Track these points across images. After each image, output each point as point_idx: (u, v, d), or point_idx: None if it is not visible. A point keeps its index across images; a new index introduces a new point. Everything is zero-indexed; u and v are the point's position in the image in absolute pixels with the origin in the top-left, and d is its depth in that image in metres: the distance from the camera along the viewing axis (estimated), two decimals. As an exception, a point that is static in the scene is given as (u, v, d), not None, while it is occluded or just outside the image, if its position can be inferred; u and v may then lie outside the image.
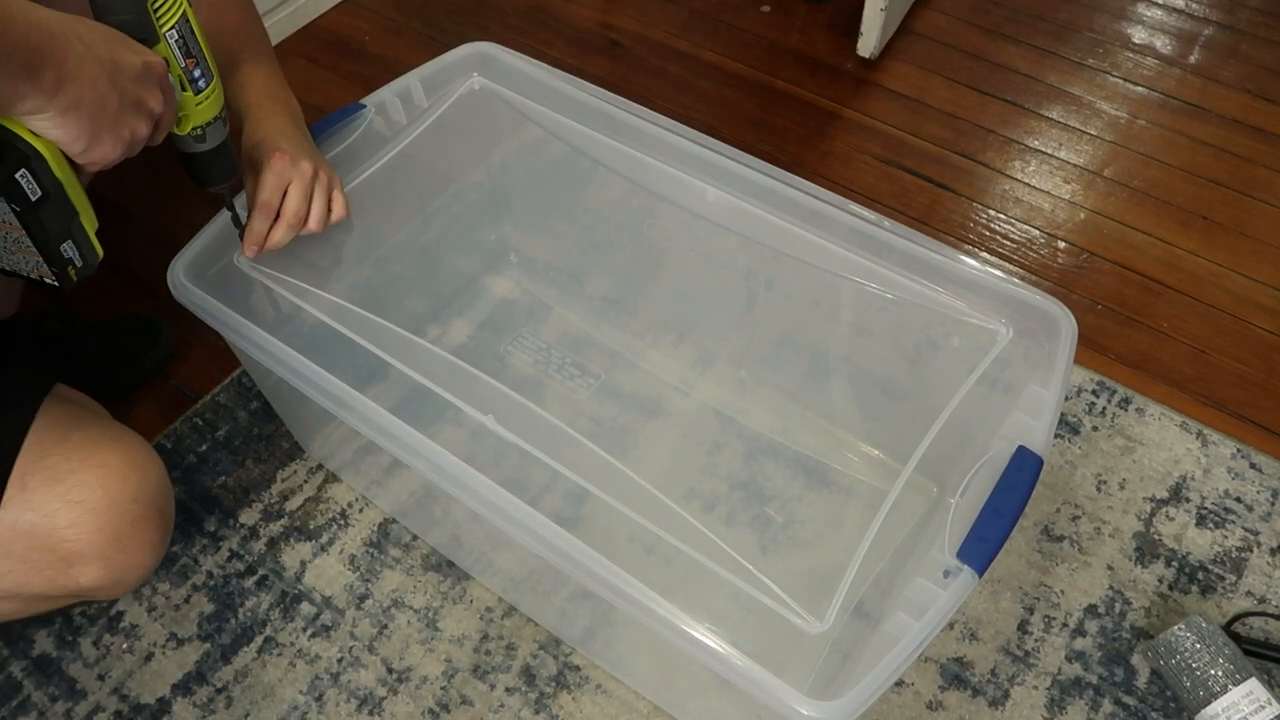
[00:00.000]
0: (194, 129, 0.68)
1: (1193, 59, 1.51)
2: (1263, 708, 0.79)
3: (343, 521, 0.96)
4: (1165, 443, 1.03)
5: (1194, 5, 1.60)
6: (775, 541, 0.94)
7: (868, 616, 0.77)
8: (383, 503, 0.97)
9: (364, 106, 0.90)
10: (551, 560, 0.65)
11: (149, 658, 0.88)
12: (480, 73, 0.98)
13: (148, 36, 0.62)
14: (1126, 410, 1.06)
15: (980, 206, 1.29)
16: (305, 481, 0.99)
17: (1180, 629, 0.84)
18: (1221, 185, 1.32)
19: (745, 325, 1.03)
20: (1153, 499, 0.99)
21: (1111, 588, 0.93)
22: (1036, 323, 0.78)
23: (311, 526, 0.96)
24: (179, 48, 0.63)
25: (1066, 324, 0.76)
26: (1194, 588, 0.93)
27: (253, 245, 0.77)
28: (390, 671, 0.87)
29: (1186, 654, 0.83)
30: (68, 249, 0.60)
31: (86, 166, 0.59)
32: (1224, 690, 0.81)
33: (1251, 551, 0.96)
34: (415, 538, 0.95)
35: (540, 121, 0.97)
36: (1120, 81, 1.47)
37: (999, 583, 0.93)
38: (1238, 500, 0.99)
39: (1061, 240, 1.25)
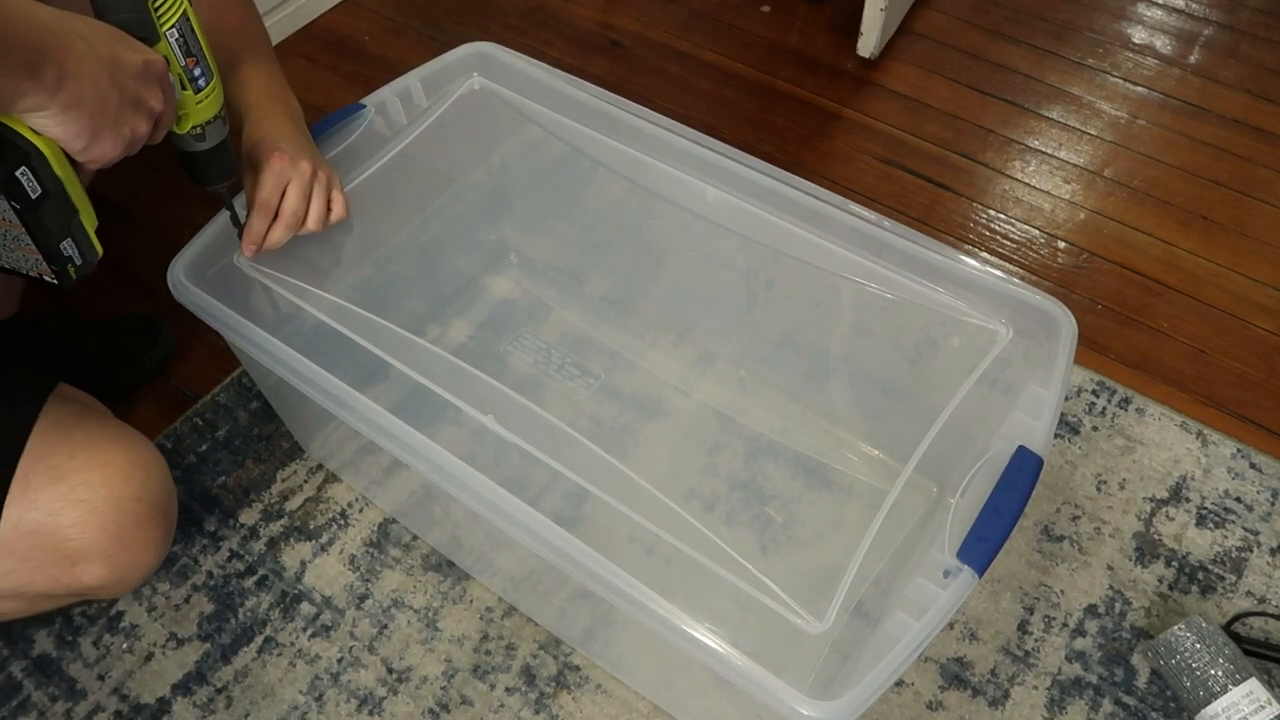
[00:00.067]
0: (194, 128, 0.68)
1: (1193, 59, 1.51)
2: (1263, 708, 0.79)
3: (343, 521, 0.96)
4: (1165, 443, 1.03)
5: (1194, 5, 1.60)
6: (775, 541, 0.94)
7: (868, 616, 0.77)
8: (383, 503, 0.97)
9: (364, 106, 0.90)
10: (551, 560, 0.65)
11: (149, 658, 0.88)
12: (480, 73, 0.98)
13: (148, 35, 0.62)
14: (1126, 410, 1.06)
15: (980, 206, 1.29)
16: (305, 481, 0.99)
17: (1180, 629, 0.84)
18: (1221, 185, 1.32)
19: (745, 325, 1.03)
20: (1153, 499, 0.99)
21: (1111, 588, 0.93)
22: (1036, 323, 0.78)
23: (311, 526, 0.96)
24: (179, 46, 0.63)
25: (1066, 324, 0.76)
26: (1194, 588, 0.93)
27: (251, 245, 0.77)
28: (390, 671, 0.87)
29: (1186, 654, 0.83)
30: (67, 247, 0.60)
31: (87, 164, 0.59)
32: (1224, 690, 0.81)
33: (1251, 551, 0.96)
34: (415, 538, 0.95)
35: (540, 121, 0.97)
36: (1120, 81, 1.47)
37: (999, 583, 0.93)
38: (1238, 500, 0.99)
39: (1061, 240, 1.25)
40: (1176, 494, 0.99)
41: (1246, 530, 0.97)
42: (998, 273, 0.79)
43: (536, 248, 1.15)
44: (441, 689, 0.86)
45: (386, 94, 0.92)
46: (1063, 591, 0.92)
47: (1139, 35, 1.54)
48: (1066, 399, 1.03)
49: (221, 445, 1.02)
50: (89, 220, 0.62)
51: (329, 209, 0.80)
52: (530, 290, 1.13)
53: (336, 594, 0.92)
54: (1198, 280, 1.20)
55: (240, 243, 0.78)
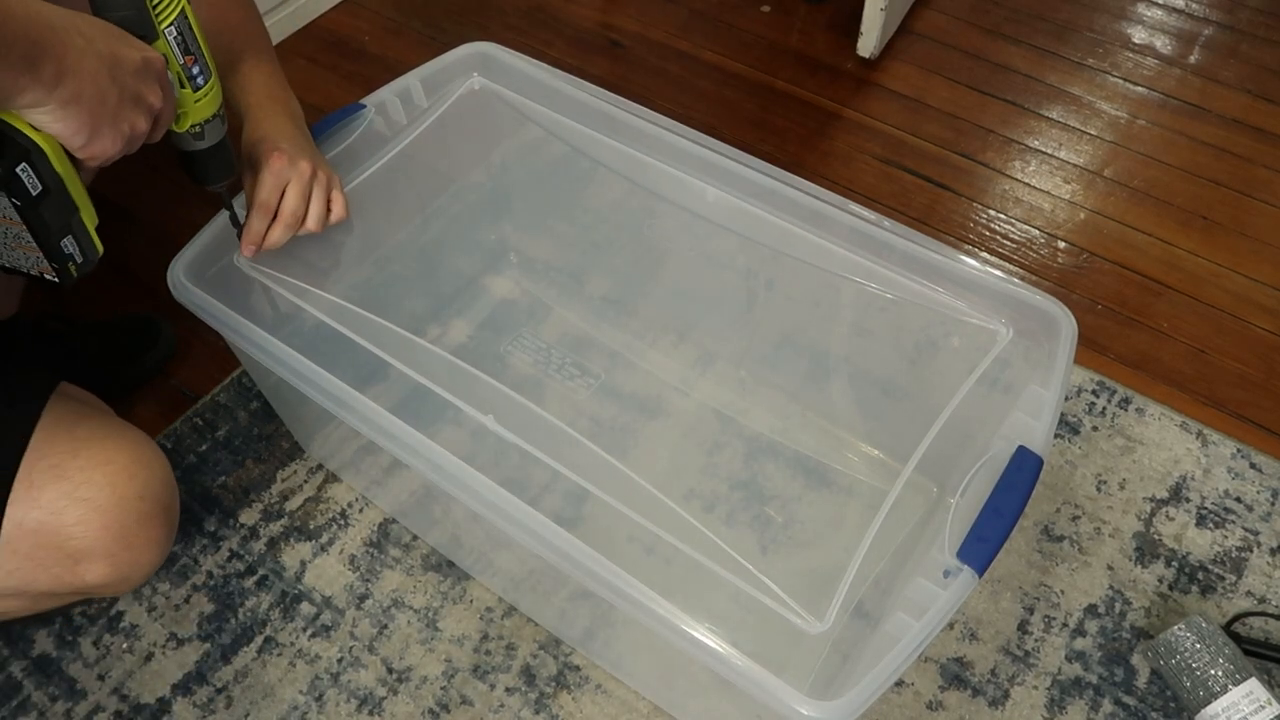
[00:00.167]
0: (193, 126, 0.68)
1: (1193, 59, 1.51)
2: (1263, 708, 0.79)
3: (343, 521, 0.96)
4: (1165, 443, 1.03)
5: (1194, 5, 1.60)
6: (775, 541, 0.94)
7: (868, 616, 0.77)
8: (383, 503, 0.97)
9: (364, 106, 0.90)
10: (551, 560, 0.65)
11: (149, 658, 0.88)
12: (480, 73, 0.98)
13: (147, 33, 0.62)
14: (1126, 410, 1.06)
15: (980, 206, 1.29)
16: (305, 481, 0.99)
17: (1180, 629, 0.84)
18: (1221, 185, 1.32)
19: (745, 325, 1.03)
20: (1153, 499, 0.99)
21: (1111, 588, 0.93)
22: (1036, 323, 0.78)
23: (311, 526, 0.96)
24: (178, 44, 0.63)
25: (1066, 324, 0.76)
26: (1194, 588, 0.93)
27: (250, 245, 0.77)
28: (390, 671, 0.87)
29: (1186, 654, 0.83)
30: (68, 244, 0.61)
31: (86, 161, 0.59)
32: (1224, 690, 0.81)
33: (1251, 551, 0.96)
34: (415, 538, 0.95)
35: (540, 121, 0.97)
36: (1120, 81, 1.47)
37: (999, 583, 0.93)
38: (1238, 500, 0.99)
39: (1061, 240, 1.25)
40: (1176, 494, 0.99)
41: (1246, 530, 0.97)
42: (998, 273, 0.79)
43: (536, 248, 1.15)
44: (441, 689, 0.86)
45: (386, 94, 0.92)
46: (1063, 591, 0.92)
47: (1139, 35, 1.54)
48: (1066, 399, 1.03)
49: (221, 445, 1.02)
50: (89, 218, 0.62)
51: (329, 209, 0.80)
52: (530, 290, 1.13)
53: (336, 594, 0.92)
54: (1198, 280, 1.20)
55: (240, 243, 0.78)
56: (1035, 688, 0.87)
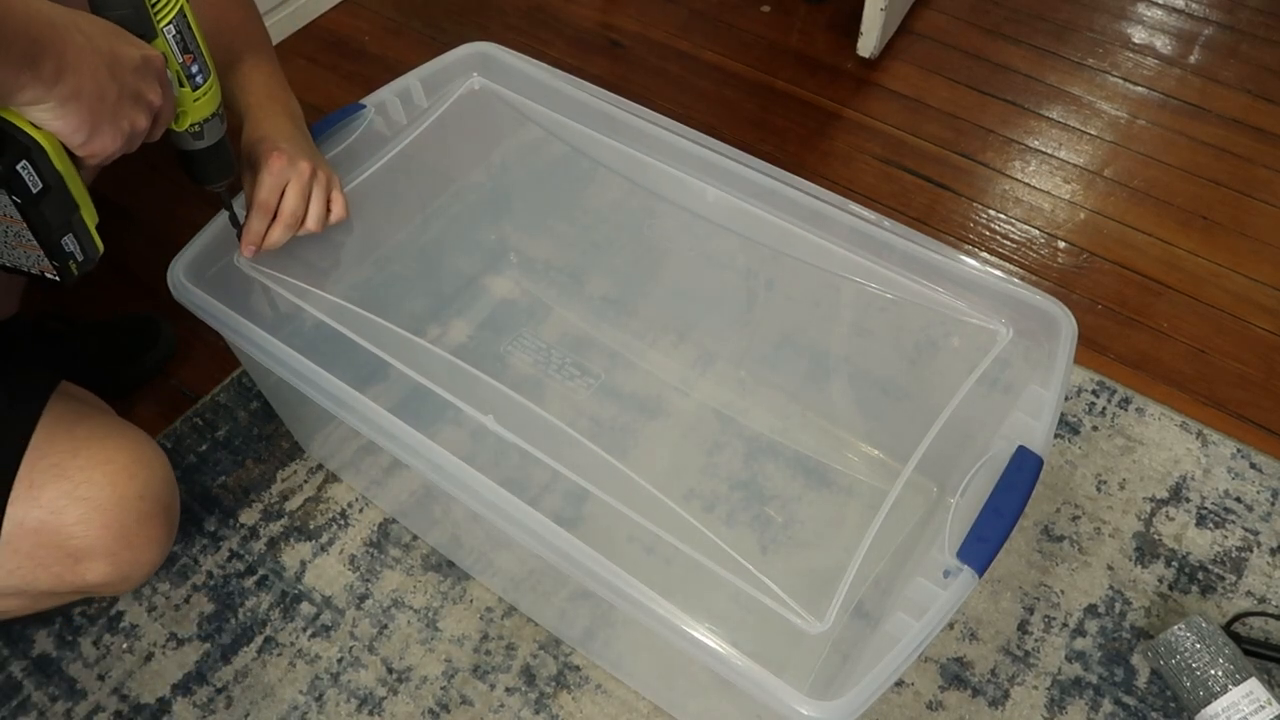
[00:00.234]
0: (192, 125, 0.68)
1: (1193, 59, 1.51)
2: (1263, 708, 0.79)
3: (343, 521, 0.96)
4: (1165, 443, 1.03)
5: (1194, 5, 1.60)
6: (775, 541, 0.94)
7: (868, 616, 0.77)
8: (383, 503, 0.97)
9: (364, 106, 0.90)
10: (551, 560, 0.65)
11: (149, 658, 0.88)
12: (480, 73, 0.98)
13: (145, 31, 0.62)
14: (1126, 410, 1.06)
15: (980, 206, 1.29)
16: (305, 481, 0.99)
17: (1180, 629, 0.84)
18: (1221, 185, 1.32)
19: (745, 325, 1.03)
20: (1153, 499, 0.99)
21: (1111, 588, 0.93)
22: (1036, 323, 0.78)
23: (311, 526, 0.96)
24: (176, 43, 0.64)
25: (1066, 324, 0.76)
26: (1194, 588, 0.93)
27: (250, 245, 0.77)
28: (390, 671, 0.87)
29: (1186, 654, 0.83)
30: (68, 242, 0.61)
31: (86, 159, 0.59)
32: (1224, 690, 0.81)
33: (1251, 551, 0.96)
34: (415, 538, 0.95)
35: (540, 121, 0.97)
36: (1120, 81, 1.47)
37: (999, 583, 0.93)
38: (1238, 500, 0.99)
39: (1061, 240, 1.25)
40: (1176, 494, 0.99)
41: (1246, 530, 0.97)
42: (998, 273, 0.79)
43: (536, 248, 1.15)
44: (441, 689, 0.86)
45: (386, 94, 0.92)
46: (1063, 591, 0.92)
47: (1139, 35, 1.54)
48: (1066, 399, 1.03)
49: (221, 445, 1.02)
50: (90, 216, 0.62)
51: (328, 209, 0.80)
52: (530, 290, 1.13)
53: (336, 594, 0.92)
54: (1198, 280, 1.20)
55: (239, 243, 0.78)
56: (1035, 688, 0.87)
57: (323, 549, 0.94)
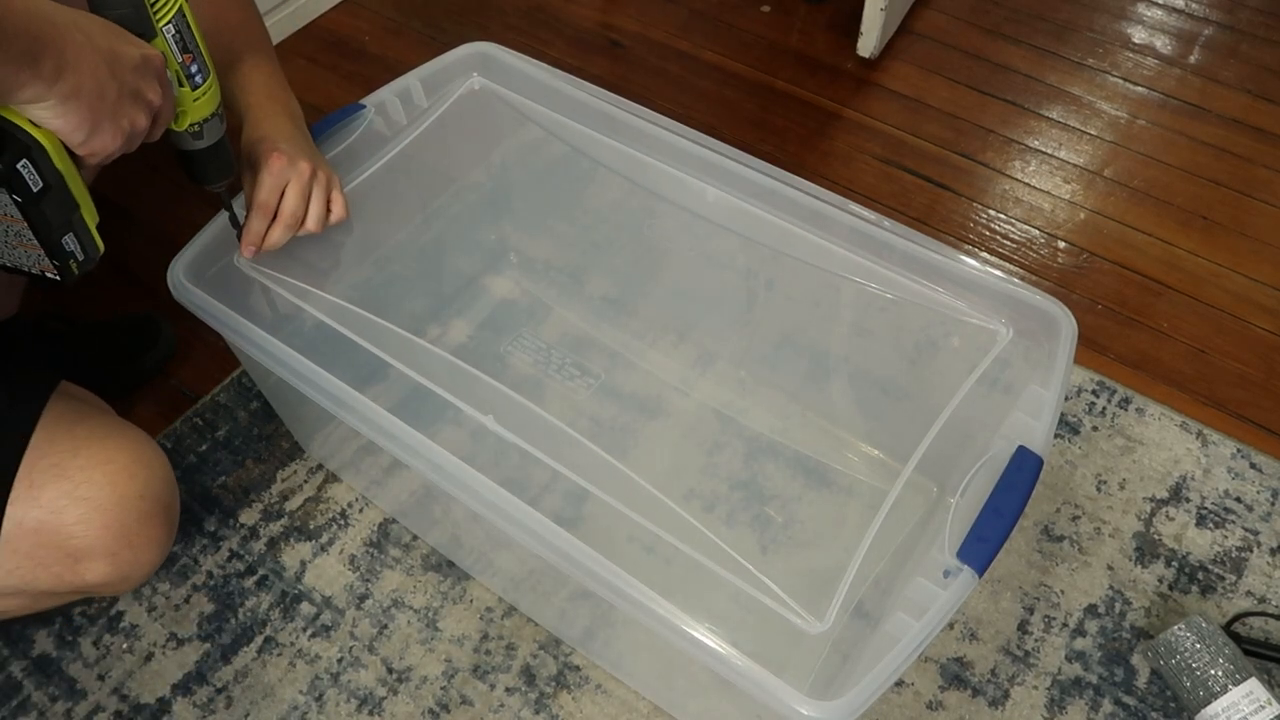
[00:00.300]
0: (191, 125, 0.68)
1: (1193, 59, 1.51)
2: (1263, 708, 0.79)
3: (343, 521, 0.96)
4: (1165, 443, 1.03)
5: (1194, 5, 1.60)
6: (775, 541, 0.94)
7: (868, 616, 0.77)
8: (383, 503, 0.97)
9: (364, 106, 0.90)
10: (551, 560, 0.65)
11: (149, 658, 0.88)
12: (480, 73, 0.98)
13: (145, 31, 0.62)
14: (1126, 410, 1.06)
15: (980, 206, 1.29)
16: (305, 481, 0.99)
17: (1180, 629, 0.84)
18: (1221, 185, 1.32)
19: (745, 325, 1.03)
20: (1153, 499, 0.99)
21: (1111, 588, 0.93)
22: (1036, 323, 0.78)
23: (311, 526, 0.96)
24: (176, 43, 0.64)
25: (1066, 324, 0.76)
26: (1194, 588, 0.93)
27: (250, 245, 0.77)
28: (390, 671, 0.87)
29: (1186, 654, 0.83)
30: (69, 241, 0.61)
31: (86, 158, 0.59)
32: (1224, 690, 0.81)
33: (1251, 551, 0.96)
34: (415, 538, 0.95)
35: (540, 121, 0.97)
36: (1120, 81, 1.47)
37: (999, 583, 0.93)
38: (1238, 500, 0.99)
39: (1061, 240, 1.25)
40: (1176, 494, 0.99)
41: (1246, 530, 0.97)
42: (998, 273, 0.79)
43: (536, 248, 1.15)
44: (441, 689, 0.86)
45: (386, 94, 0.92)
46: (1063, 591, 0.92)
47: (1139, 35, 1.54)
48: (1066, 399, 1.03)
49: (221, 445, 1.02)
50: (90, 215, 0.62)
51: (328, 209, 0.80)
52: (530, 290, 1.13)
53: (336, 594, 0.92)
54: (1198, 280, 1.20)
55: (239, 243, 0.78)
56: (1035, 688, 0.87)
57: (323, 549, 0.94)
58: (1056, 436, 0.96)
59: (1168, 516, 0.98)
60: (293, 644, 0.89)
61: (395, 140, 0.92)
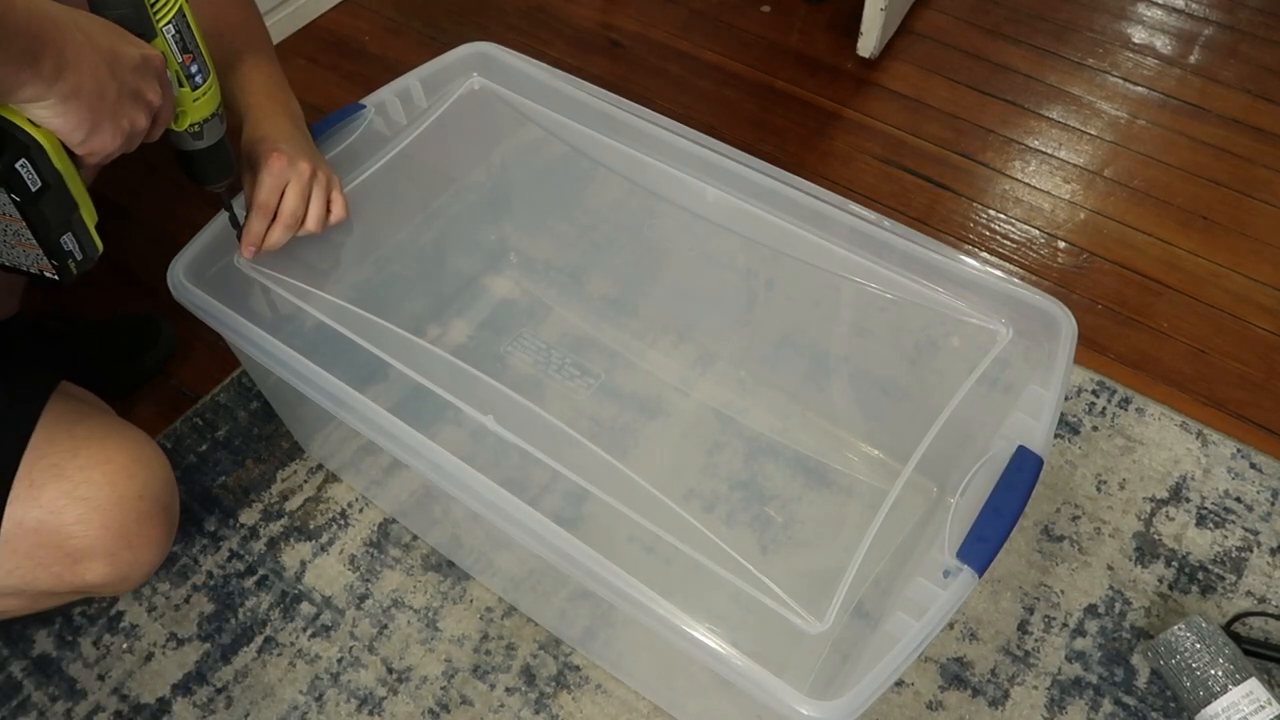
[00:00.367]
0: (191, 125, 0.68)
1: (1193, 59, 1.51)
2: (1263, 708, 0.79)
3: (343, 521, 0.96)
4: (1165, 443, 1.03)
5: (1194, 5, 1.60)
6: (775, 541, 0.94)
7: (868, 616, 0.77)
8: (383, 503, 0.97)
9: (364, 106, 0.90)
10: (551, 560, 0.65)
11: (149, 658, 0.88)
12: (480, 73, 0.98)
13: (145, 31, 0.62)
14: (1126, 410, 1.06)
15: (980, 206, 1.29)
16: (305, 481, 0.99)
17: (1180, 629, 0.84)
18: (1221, 185, 1.32)
19: (745, 325, 1.03)
20: (1153, 499, 0.99)
21: (1111, 588, 0.93)
22: (1036, 323, 0.78)
23: (311, 526, 0.96)
24: (176, 43, 0.64)
25: (1066, 324, 0.76)
26: (1194, 588, 0.93)
27: (250, 246, 0.77)
28: (390, 671, 0.87)
29: (1186, 654, 0.83)
30: (68, 241, 0.61)
31: (86, 158, 0.59)
32: (1224, 690, 0.81)
33: (1251, 551, 0.96)
34: (415, 538, 0.95)
35: (540, 121, 0.97)
36: (1120, 81, 1.47)
37: (999, 583, 0.93)
38: (1238, 500, 0.99)
39: (1061, 240, 1.25)
40: (1176, 494, 0.99)
41: (1246, 530, 0.97)
42: (997, 273, 0.79)
43: (536, 248, 1.15)
44: (441, 689, 0.86)
45: (386, 94, 0.92)
46: (1063, 591, 0.92)
47: (1139, 35, 1.54)
48: (1066, 399, 1.03)
49: (221, 445, 1.02)
50: (89, 215, 0.62)
51: (328, 210, 0.80)
52: (530, 290, 1.13)
53: (336, 594, 0.92)
54: (1198, 280, 1.20)
55: (239, 244, 0.78)
56: (1035, 688, 0.87)
57: (323, 549, 0.94)
58: (1056, 436, 0.96)
59: (1168, 516, 0.98)
60: (293, 644, 0.89)
61: (395, 140, 0.92)
